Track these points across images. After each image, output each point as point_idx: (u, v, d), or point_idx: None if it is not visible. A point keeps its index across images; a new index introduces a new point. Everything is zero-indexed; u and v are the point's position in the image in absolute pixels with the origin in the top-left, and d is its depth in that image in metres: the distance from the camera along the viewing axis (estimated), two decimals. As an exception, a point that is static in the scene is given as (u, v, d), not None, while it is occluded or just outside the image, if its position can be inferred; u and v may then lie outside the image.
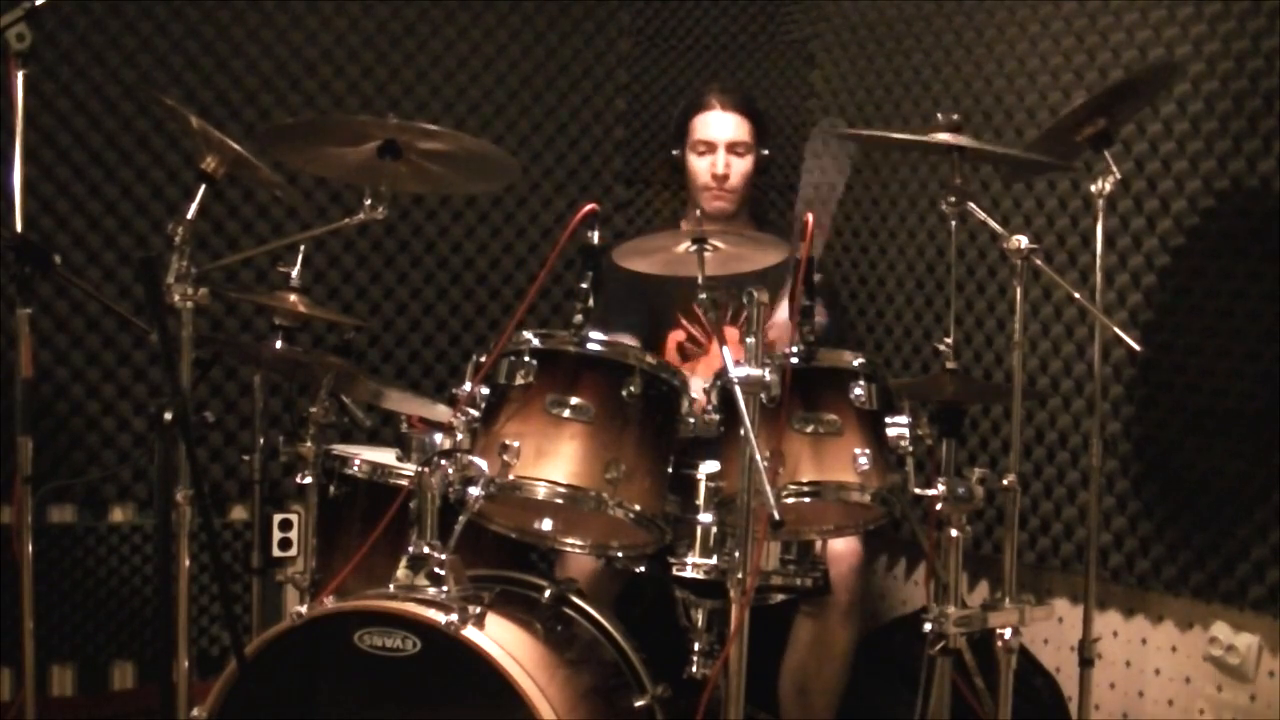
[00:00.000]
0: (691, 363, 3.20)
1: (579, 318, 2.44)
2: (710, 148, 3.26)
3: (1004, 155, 2.84)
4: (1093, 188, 2.60)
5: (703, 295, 2.33)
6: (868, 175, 3.64)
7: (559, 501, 2.40)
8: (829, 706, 2.99)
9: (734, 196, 3.26)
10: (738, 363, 2.24)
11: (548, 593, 2.64)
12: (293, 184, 3.17)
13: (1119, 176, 2.58)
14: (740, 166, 3.25)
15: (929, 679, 2.40)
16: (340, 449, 2.95)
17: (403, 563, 2.41)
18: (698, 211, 3.14)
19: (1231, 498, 2.69)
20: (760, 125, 3.30)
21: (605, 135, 3.87)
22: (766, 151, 3.31)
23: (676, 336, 3.25)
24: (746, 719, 2.26)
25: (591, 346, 2.45)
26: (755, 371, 2.22)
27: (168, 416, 2.05)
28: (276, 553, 3.35)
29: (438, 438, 2.71)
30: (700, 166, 3.27)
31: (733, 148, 3.25)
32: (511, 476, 2.37)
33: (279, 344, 2.77)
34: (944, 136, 2.41)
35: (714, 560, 2.49)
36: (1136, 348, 2.56)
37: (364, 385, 2.88)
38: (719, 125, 3.26)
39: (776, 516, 2.05)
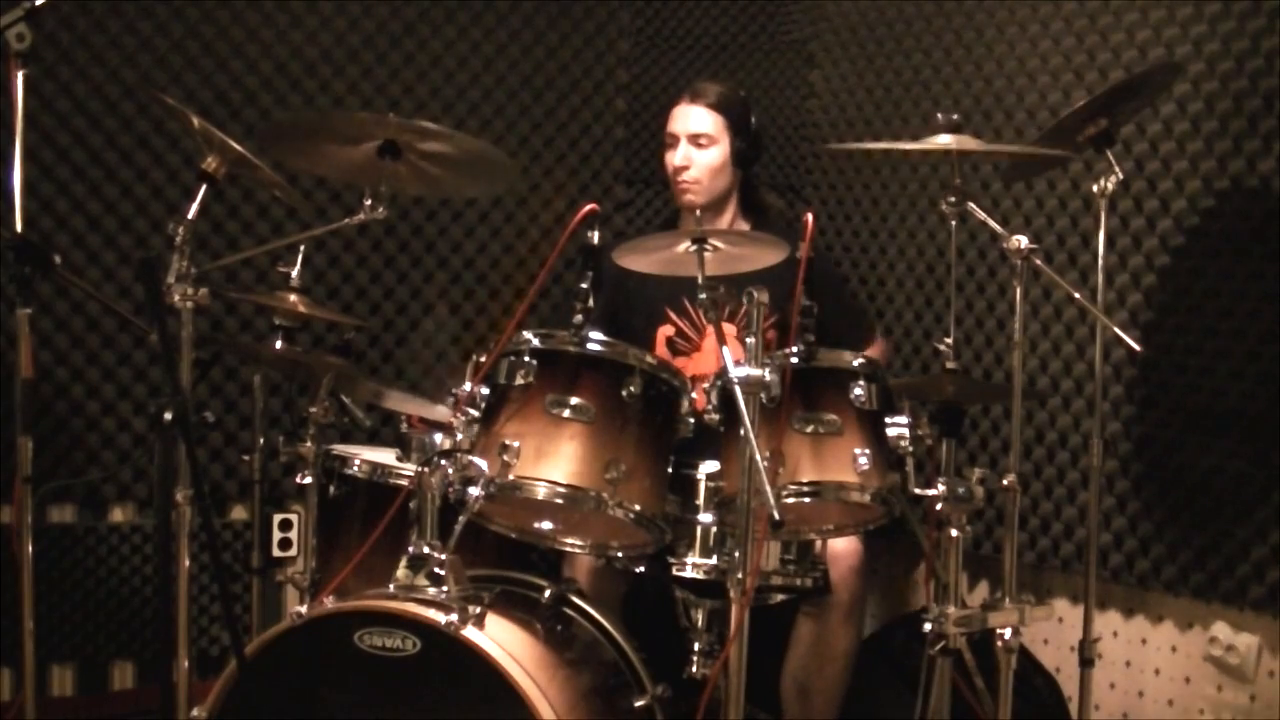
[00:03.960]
0: (682, 359, 3.20)
1: (579, 318, 2.44)
2: (674, 140, 3.25)
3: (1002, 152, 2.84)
4: (1094, 188, 2.61)
5: (703, 295, 2.33)
6: (868, 175, 3.64)
7: (559, 501, 2.40)
8: (831, 707, 2.99)
9: (700, 189, 3.22)
10: (738, 363, 2.24)
11: (548, 593, 2.64)
12: (293, 184, 3.17)
13: (1121, 176, 2.58)
14: (702, 159, 3.21)
15: (929, 679, 2.40)
16: (340, 449, 2.95)
17: (403, 563, 2.42)
18: (698, 213, 3.15)
19: (1231, 498, 2.69)
20: (732, 117, 3.23)
21: (605, 135, 3.87)
22: (743, 144, 3.24)
23: (665, 331, 3.24)
24: (746, 719, 2.26)
25: (591, 346, 2.45)
26: (755, 371, 2.22)
27: (168, 416, 2.06)
28: (276, 553, 3.35)
29: (438, 438, 2.71)
30: (668, 159, 3.27)
31: (694, 140, 3.22)
32: (511, 476, 2.37)
33: (279, 344, 2.77)
34: (944, 139, 2.41)
35: (714, 560, 2.49)
36: (1136, 348, 2.56)
37: (364, 385, 2.88)
38: (681, 118, 3.25)
39: (776, 516, 2.05)
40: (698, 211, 3.15)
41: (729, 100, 3.26)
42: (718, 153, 3.22)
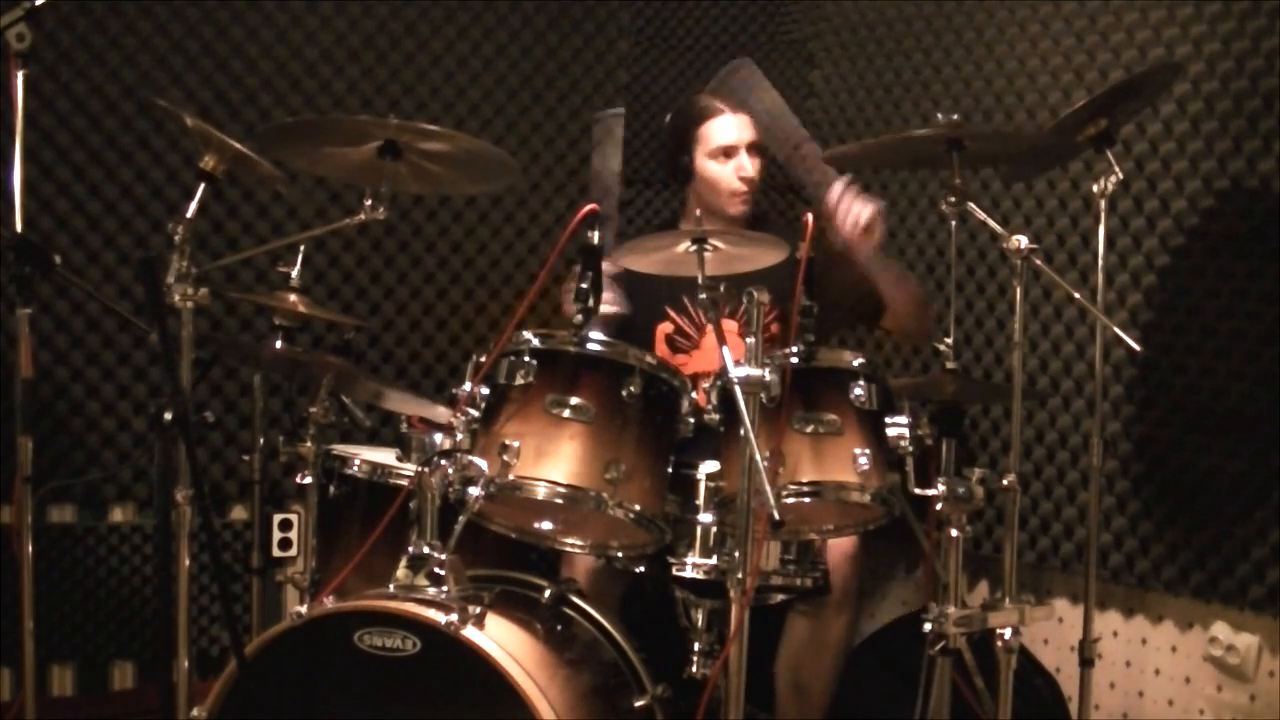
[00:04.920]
0: (682, 356, 3.19)
1: (579, 318, 2.44)
2: (732, 152, 3.19)
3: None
4: (1094, 188, 2.61)
5: (702, 295, 2.33)
6: (867, 175, 3.64)
7: (559, 501, 2.40)
8: (825, 699, 2.98)
9: (753, 198, 3.23)
10: (737, 362, 2.24)
11: (548, 593, 2.64)
12: (293, 184, 3.17)
13: (1121, 176, 2.58)
14: (758, 167, 3.22)
15: (929, 679, 2.40)
16: (340, 449, 2.95)
17: (403, 563, 2.42)
18: (698, 213, 3.14)
19: (1231, 498, 2.69)
20: None
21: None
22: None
23: (664, 329, 3.24)
24: (746, 719, 2.26)
25: (591, 346, 2.45)
26: (755, 371, 2.22)
27: (168, 416, 2.06)
28: (276, 553, 3.35)
29: (438, 438, 2.71)
30: (724, 173, 3.19)
31: (751, 148, 3.20)
32: (511, 476, 2.37)
33: (279, 344, 2.77)
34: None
35: (714, 560, 2.49)
36: (1136, 348, 2.56)
37: (364, 385, 2.88)
38: (737, 128, 3.19)
39: (776, 516, 2.05)
40: (697, 212, 3.15)
41: None
42: (763, 158, 3.23)
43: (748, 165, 3.19)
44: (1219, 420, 2.71)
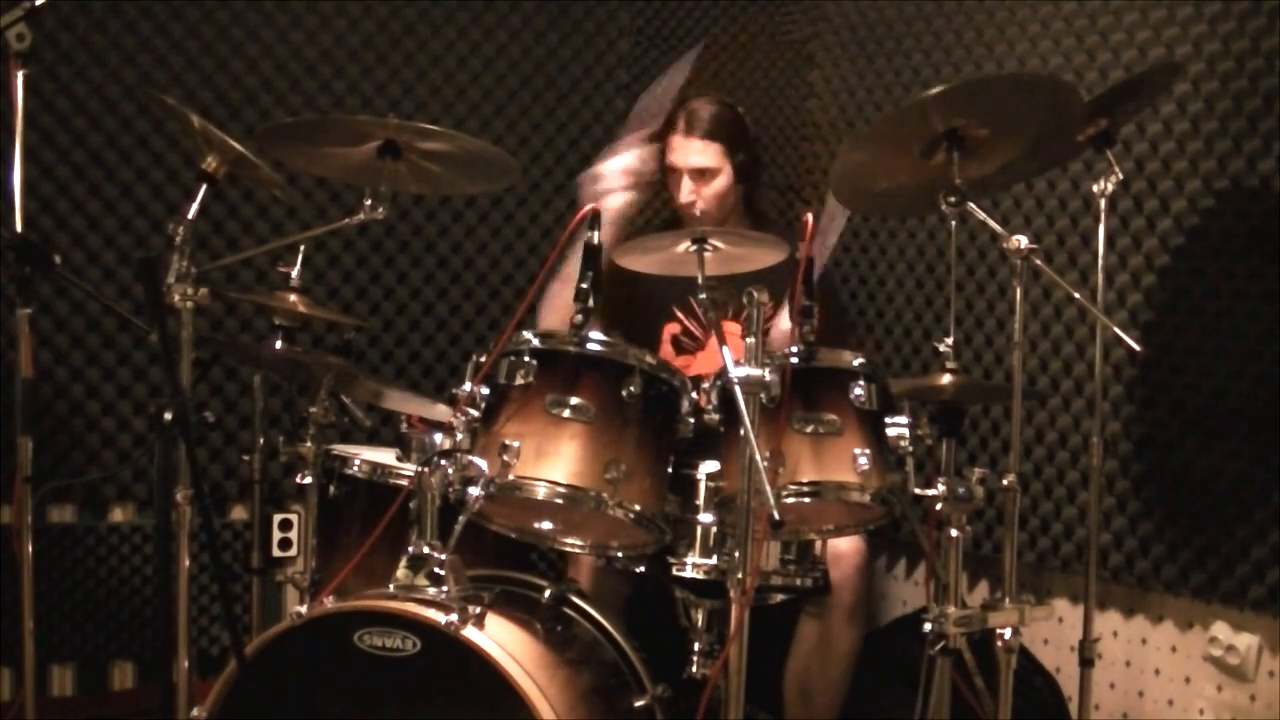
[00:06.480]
0: (687, 357, 3.19)
1: (579, 318, 2.44)
2: (677, 172, 3.20)
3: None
4: (1094, 188, 2.60)
5: (703, 295, 2.33)
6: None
7: (559, 501, 2.40)
8: (832, 707, 2.99)
9: (710, 217, 3.18)
10: (738, 362, 2.24)
11: (548, 593, 2.65)
12: (293, 184, 3.17)
13: (1121, 176, 2.58)
14: (708, 190, 3.17)
15: (929, 679, 2.40)
16: (340, 449, 2.95)
17: (403, 563, 2.41)
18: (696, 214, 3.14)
19: (1231, 498, 2.69)
20: (730, 140, 3.19)
21: (605, 135, 3.87)
22: (745, 158, 3.21)
23: (671, 330, 3.24)
24: (746, 719, 2.26)
25: (591, 346, 2.45)
26: (755, 371, 2.22)
27: (168, 416, 2.06)
28: (276, 553, 3.35)
29: (438, 438, 2.71)
30: (670, 187, 3.24)
31: (696, 175, 3.17)
32: (511, 476, 2.37)
33: (279, 344, 2.77)
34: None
35: (714, 560, 2.49)
36: (1136, 348, 2.55)
37: (364, 385, 2.88)
38: (680, 151, 3.18)
39: (776, 516, 2.05)
40: (697, 211, 3.15)
41: (724, 122, 3.21)
42: (722, 180, 3.19)
43: (683, 192, 3.18)
44: (1219, 420, 2.71)
